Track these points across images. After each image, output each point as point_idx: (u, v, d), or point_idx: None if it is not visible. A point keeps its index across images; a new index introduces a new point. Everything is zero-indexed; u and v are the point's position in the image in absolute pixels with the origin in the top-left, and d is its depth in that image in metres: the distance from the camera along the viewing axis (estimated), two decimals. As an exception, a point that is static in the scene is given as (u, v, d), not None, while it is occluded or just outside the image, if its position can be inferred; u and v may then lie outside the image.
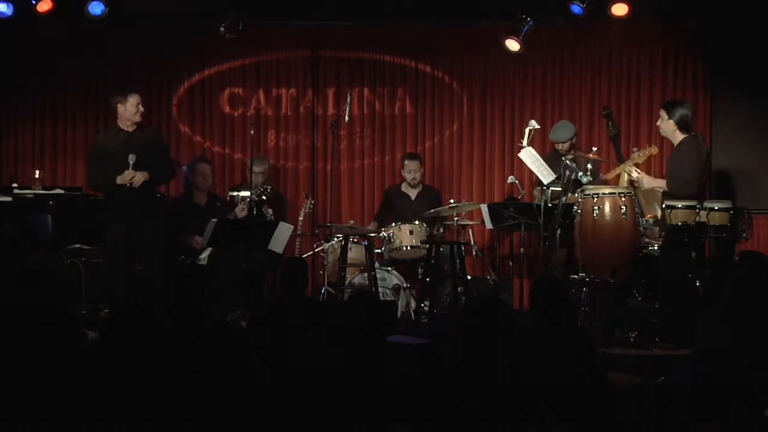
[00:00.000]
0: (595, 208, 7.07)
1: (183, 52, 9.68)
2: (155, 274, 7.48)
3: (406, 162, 9.10)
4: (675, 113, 7.31)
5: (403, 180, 9.17)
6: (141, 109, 7.69)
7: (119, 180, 7.49)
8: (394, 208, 9.07)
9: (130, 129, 7.68)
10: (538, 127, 8.35)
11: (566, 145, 8.39)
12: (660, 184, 7.45)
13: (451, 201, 8.71)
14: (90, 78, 9.62)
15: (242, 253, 7.96)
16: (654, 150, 7.87)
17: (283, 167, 9.69)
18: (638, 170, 7.54)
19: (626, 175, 7.63)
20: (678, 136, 7.34)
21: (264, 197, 8.44)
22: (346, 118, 9.02)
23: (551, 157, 8.35)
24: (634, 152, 7.89)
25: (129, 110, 7.64)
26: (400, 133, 9.70)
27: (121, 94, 7.67)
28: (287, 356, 4.31)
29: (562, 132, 8.48)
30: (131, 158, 7.48)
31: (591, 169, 7.74)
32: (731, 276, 4.88)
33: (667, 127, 7.37)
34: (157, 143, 7.87)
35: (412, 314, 8.18)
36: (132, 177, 7.47)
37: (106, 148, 7.68)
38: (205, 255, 8.24)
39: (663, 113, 7.39)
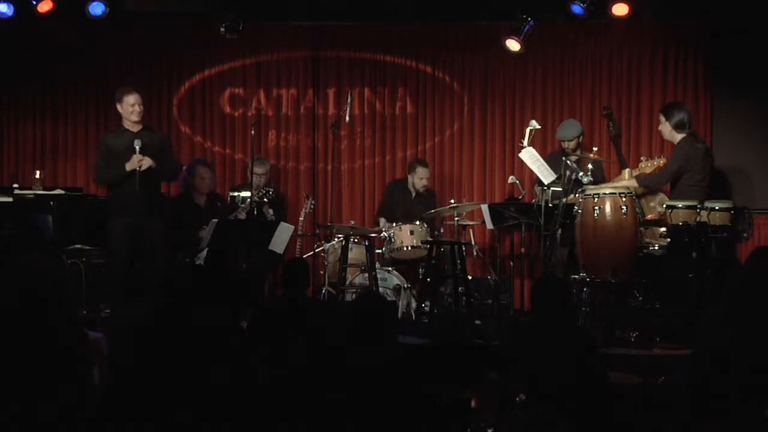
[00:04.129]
0: (596, 208, 7.08)
1: (183, 52, 9.68)
2: (155, 272, 7.48)
3: (419, 169, 9.04)
4: (673, 117, 7.67)
5: (408, 179, 9.15)
6: (138, 108, 7.64)
7: (128, 166, 7.46)
8: (394, 203, 9.08)
9: (135, 129, 7.67)
10: (539, 127, 8.34)
11: (573, 144, 8.38)
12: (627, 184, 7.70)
13: (452, 201, 8.71)
14: (90, 78, 9.62)
15: (242, 253, 7.95)
16: (662, 161, 7.92)
17: (283, 167, 9.69)
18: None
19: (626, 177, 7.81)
20: (676, 137, 7.67)
21: (266, 200, 8.47)
22: (347, 118, 9.03)
23: (552, 157, 8.35)
24: (641, 161, 7.96)
25: (125, 110, 7.64)
26: (401, 133, 9.70)
27: (119, 94, 7.68)
28: (287, 356, 4.31)
29: (569, 130, 8.47)
30: (137, 143, 7.50)
31: (592, 169, 7.75)
32: (736, 272, 4.88)
33: (665, 129, 7.73)
34: (162, 145, 7.82)
35: (413, 314, 8.17)
36: (141, 160, 7.46)
37: (113, 147, 7.68)
38: (203, 255, 8.24)
39: (662, 117, 7.77)
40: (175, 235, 8.23)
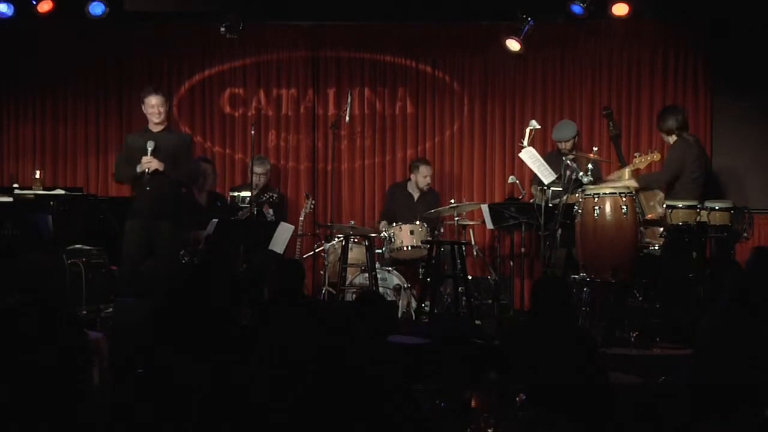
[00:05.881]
0: (596, 207, 7.08)
1: (183, 52, 9.69)
2: (161, 273, 7.48)
3: (422, 167, 9.06)
4: (665, 122, 7.85)
5: (409, 180, 9.16)
6: (159, 110, 7.56)
7: (138, 168, 7.49)
8: (396, 206, 9.09)
9: (156, 130, 7.66)
10: (539, 127, 8.34)
11: (569, 144, 8.39)
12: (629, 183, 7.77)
13: (452, 201, 8.71)
14: (90, 78, 9.63)
15: (242, 253, 7.95)
16: (656, 156, 7.95)
17: (283, 167, 9.70)
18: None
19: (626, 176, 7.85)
20: (671, 139, 7.85)
21: (270, 208, 8.48)
22: (347, 118, 9.04)
23: (552, 157, 8.35)
24: (635, 157, 7.97)
25: (147, 111, 7.64)
26: (401, 133, 9.70)
27: (143, 94, 7.71)
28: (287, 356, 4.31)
29: (565, 131, 8.48)
30: (149, 144, 7.48)
31: (592, 169, 7.76)
32: (736, 272, 4.88)
33: (661, 133, 7.98)
34: (180, 147, 7.72)
35: (413, 314, 8.17)
36: (149, 162, 7.46)
37: (132, 146, 7.70)
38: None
39: (658, 121, 8.01)
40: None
